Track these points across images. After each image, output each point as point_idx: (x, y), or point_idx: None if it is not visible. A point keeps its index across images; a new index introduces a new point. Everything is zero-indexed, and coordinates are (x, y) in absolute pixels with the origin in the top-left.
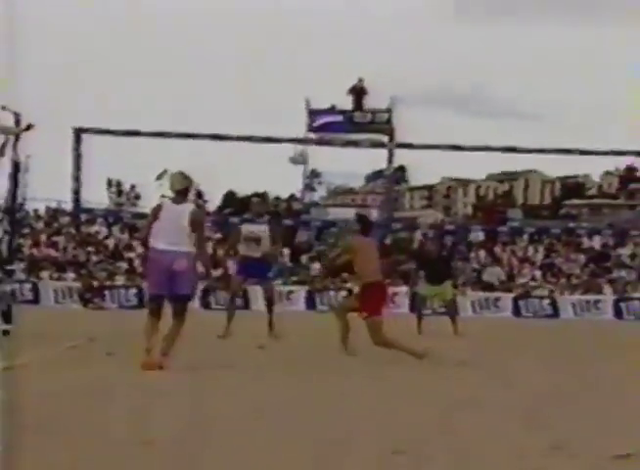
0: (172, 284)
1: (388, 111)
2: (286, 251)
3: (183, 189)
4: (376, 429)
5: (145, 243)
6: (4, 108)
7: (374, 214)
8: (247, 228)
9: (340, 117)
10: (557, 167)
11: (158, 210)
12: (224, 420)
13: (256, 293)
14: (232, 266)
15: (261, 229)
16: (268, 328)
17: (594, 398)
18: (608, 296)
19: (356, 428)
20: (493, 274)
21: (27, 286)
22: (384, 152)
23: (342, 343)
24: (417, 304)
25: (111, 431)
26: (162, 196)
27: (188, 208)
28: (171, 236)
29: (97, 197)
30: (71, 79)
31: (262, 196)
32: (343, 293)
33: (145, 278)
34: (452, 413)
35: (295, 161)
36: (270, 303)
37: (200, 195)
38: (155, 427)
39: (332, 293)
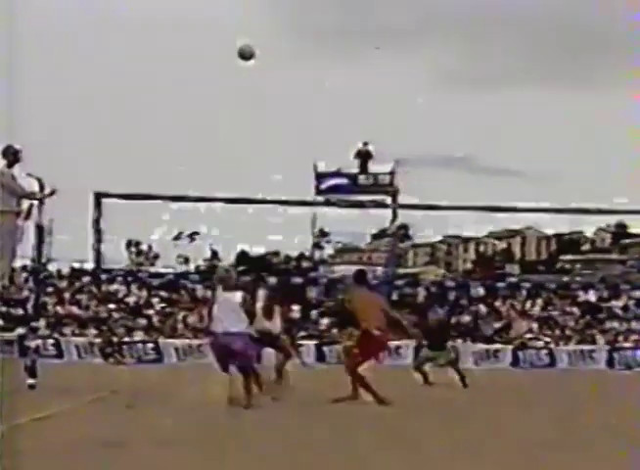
0: None
1: (391, 173)
2: (296, 306)
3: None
4: None
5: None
6: (29, 175)
7: (379, 271)
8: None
9: (345, 180)
10: (552, 224)
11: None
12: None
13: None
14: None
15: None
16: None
17: (590, 447)
18: (601, 346)
19: None
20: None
21: (51, 342)
22: (388, 212)
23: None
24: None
25: None
26: (178, 256)
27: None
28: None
29: (117, 257)
30: (91, 146)
31: (275, 254)
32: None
33: None
34: (453, 462)
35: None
36: (286, 356)
37: (215, 254)
38: None
39: (339, 347)
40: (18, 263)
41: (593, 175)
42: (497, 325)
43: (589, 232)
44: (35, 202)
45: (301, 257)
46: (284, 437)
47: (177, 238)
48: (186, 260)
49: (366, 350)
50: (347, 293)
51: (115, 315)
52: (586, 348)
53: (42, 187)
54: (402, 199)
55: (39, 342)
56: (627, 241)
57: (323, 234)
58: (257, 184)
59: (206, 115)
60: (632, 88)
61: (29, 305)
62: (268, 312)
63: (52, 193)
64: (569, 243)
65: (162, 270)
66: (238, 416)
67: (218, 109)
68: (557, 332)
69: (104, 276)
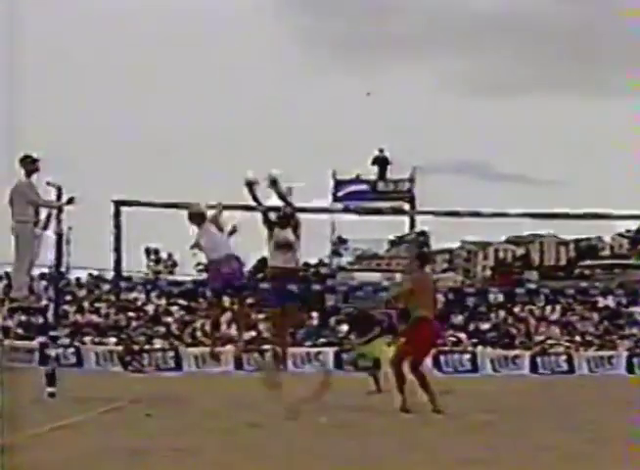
0: None
1: (411, 180)
2: (315, 313)
3: None
4: None
5: None
6: (49, 183)
7: (397, 278)
8: (277, 235)
9: (364, 187)
10: (571, 230)
11: None
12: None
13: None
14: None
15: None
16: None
17: (609, 456)
18: (621, 351)
19: None
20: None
21: (71, 350)
22: (406, 218)
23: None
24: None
25: None
26: (198, 264)
27: None
28: None
29: (136, 265)
30: (111, 153)
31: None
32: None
33: None
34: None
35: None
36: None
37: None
38: None
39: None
40: (37, 272)
41: (609, 181)
42: (516, 331)
43: (607, 238)
44: (54, 210)
45: (320, 263)
46: (301, 445)
47: (193, 247)
48: (205, 268)
49: (424, 341)
50: (407, 276)
51: (135, 323)
52: (606, 354)
53: (60, 195)
54: (421, 205)
55: (59, 350)
56: None
57: (341, 241)
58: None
59: (225, 123)
60: None
61: (49, 314)
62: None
63: (70, 201)
64: (587, 249)
65: (181, 278)
66: (258, 424)
67: (236, 117)
68: (576, 338)
69: (123, 284)
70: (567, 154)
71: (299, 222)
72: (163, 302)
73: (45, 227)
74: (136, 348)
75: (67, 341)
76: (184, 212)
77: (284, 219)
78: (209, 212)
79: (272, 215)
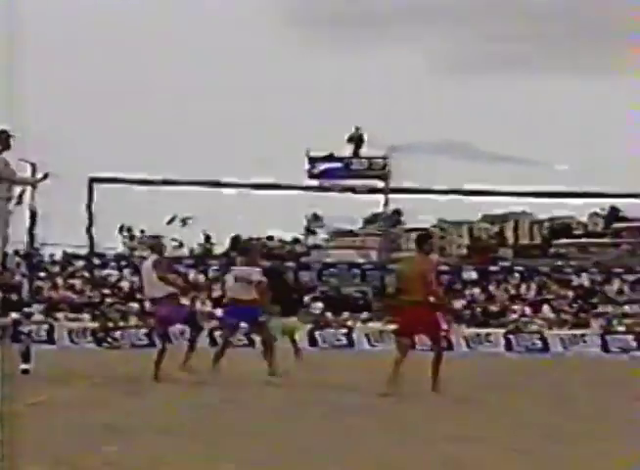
0: None
1: (385, 158)
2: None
3: None
4: (383, 464)
5: None
6: (21, 160)
7: (373, 256)
8: (240, 269)
9: (338, 164)
10: (547, 209)
11: None
12: (241, 457)
13: None
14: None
15: (256, 272)
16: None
17: (589, 433)
18: (595, 330)
19: (363, 463)
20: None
21: (44, 327)
22: (381, 196)
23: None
24: None
25: (126, 467)
26: (173, 239)
27: None
28: None
29: (110, 242)
30: (85, 131)
31: (269, 239)
32: (343, 331)
33: None
34: (456, 446)
35: None
36: (267, 342)
37: (208, 239)
38: (170, 463)
39: (332, 330)
40: (10, 248)
41: (590, 161)
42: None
43: (583, 217)
44: (28, 187)
45: (295, 241)
46: (278, 422)
47: (170, 222)
48: (180, 245)
49: (402, 325)
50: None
51: (109, 300)
52: (580, 332)
53: (35, 172)
54: (397, 184)
55: (33, 327)
56: (620, 225)
57: (316, 218)
58: (250, 168)
59: (201, 100)
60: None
61: (23, 290)
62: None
63: (45, 178)
64: (562, 227)
65: None
66: (233, 401)
67: (213, 94)
68: (551, 316)
69: (97, 261)
70: (549, 133)
71: None
72: (137, 278)
73: (18, 203)
74: (110, 324)
75: (40, 317)
76: (159, 190)
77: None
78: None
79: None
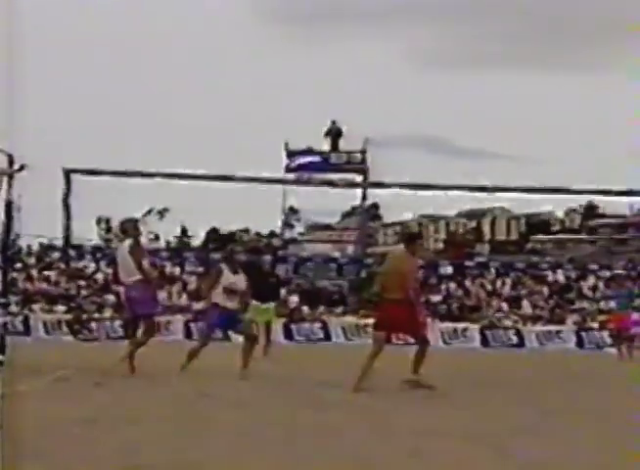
0: None
1: (363, 152)
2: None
3: None
4: (351, 456)
5: None
6: None
7: (349, 249)
8: (227, 278)
9: (317, 158)
10: (522, 205)
11: None
12: (213, 449)
13: None
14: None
15: (241, 279)
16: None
17: (559, 427)
18: (570, 326)
19: (332, 456)
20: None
21: (19, 318)
22: (359, 190)
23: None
24: None
25: (99, 458)
26: (149, 233)
27: None
28: None
29: (87, 233)
30: (62, 121)
31: (245, 232)
32: (318, 324)
33: None
34: (422, 441)
35: None
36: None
37: (185, 231)
38: (143, 455)
39: (307, 325)
40: None
41: (568, 157)
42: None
43: (559, 213)
44: (4, 177)
45: (272, 234)
46: (251, 414)
47: (147, 214)
48: (156, 237)
49: (381, 322)
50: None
51: (84, 292)
52: (555, 328)
53: (12, 163)
54: (374, 178)
55: (8, 318)
56: (597, 222)
57: (293, 212)
58: (228, 161)
59: (179, 93)
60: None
61: None
62: (231, 291)
63: (21, 168)
64: (538, 223)
65: None
66: (207, 393)
67: (190, 88)
68: (526, 312)
69: (73, 253)
70: (526, 129)
71: None
72: (113, 267)
73: None
74: (85, 316)
75: (15, 309)
76: (136, 182)
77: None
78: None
79: None
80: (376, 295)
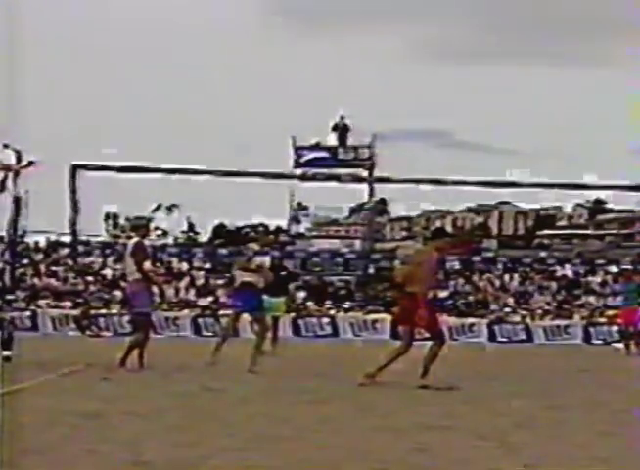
0: None
1: (370, 147)
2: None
3: None
4: (356, 451)
5: None
6: (6, 146)
7: (357, 245)
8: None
9: (325, 153)
10: (530, 200)
11: None
12: (219, 445)
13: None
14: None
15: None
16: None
17: (564, 422)
18: (577, 321)
19: (336, 450)
20: None
21: (27, 314)
22: (366, 186)
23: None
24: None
25: (105, 453)
26: (156, 229)
27: None
28: None
29: (94, 229)
30: (70, 117)
31: (254, 228)
32: (326, 320)
33: None
34: (427, 435)
35: None
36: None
37: (192, 227)
38: (148, 450)
39: (315, 320)
40: None
41: (573, 151)
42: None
43: (567, 208)
44: (11, 173)
45: (279, 230)
46: (257, 409)
47: (156, 210)
48: (164, 233)
49: (401, 315)
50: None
51: (92, 288)
52: (563, 323)
53: (20, 159)
54: (380, 173)
55: (15, 314)
56: (604, 217)
57: (301, 207)
58: (236, 157)
59: (185, 88)
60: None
61: (5, 277)
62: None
63: (29, 164)
64: (546, 218)
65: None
66: (212, 388)
67: (197, 82)
68: (534, 307)
69: (81, 249)
70: (531, 123)
71: None
72: (121, 266)
73: (1, 190)
74: (93, 312)
75: (23, 305)
76: (144, 178)
77: None
78: None
79: None
80: (397, 288)
